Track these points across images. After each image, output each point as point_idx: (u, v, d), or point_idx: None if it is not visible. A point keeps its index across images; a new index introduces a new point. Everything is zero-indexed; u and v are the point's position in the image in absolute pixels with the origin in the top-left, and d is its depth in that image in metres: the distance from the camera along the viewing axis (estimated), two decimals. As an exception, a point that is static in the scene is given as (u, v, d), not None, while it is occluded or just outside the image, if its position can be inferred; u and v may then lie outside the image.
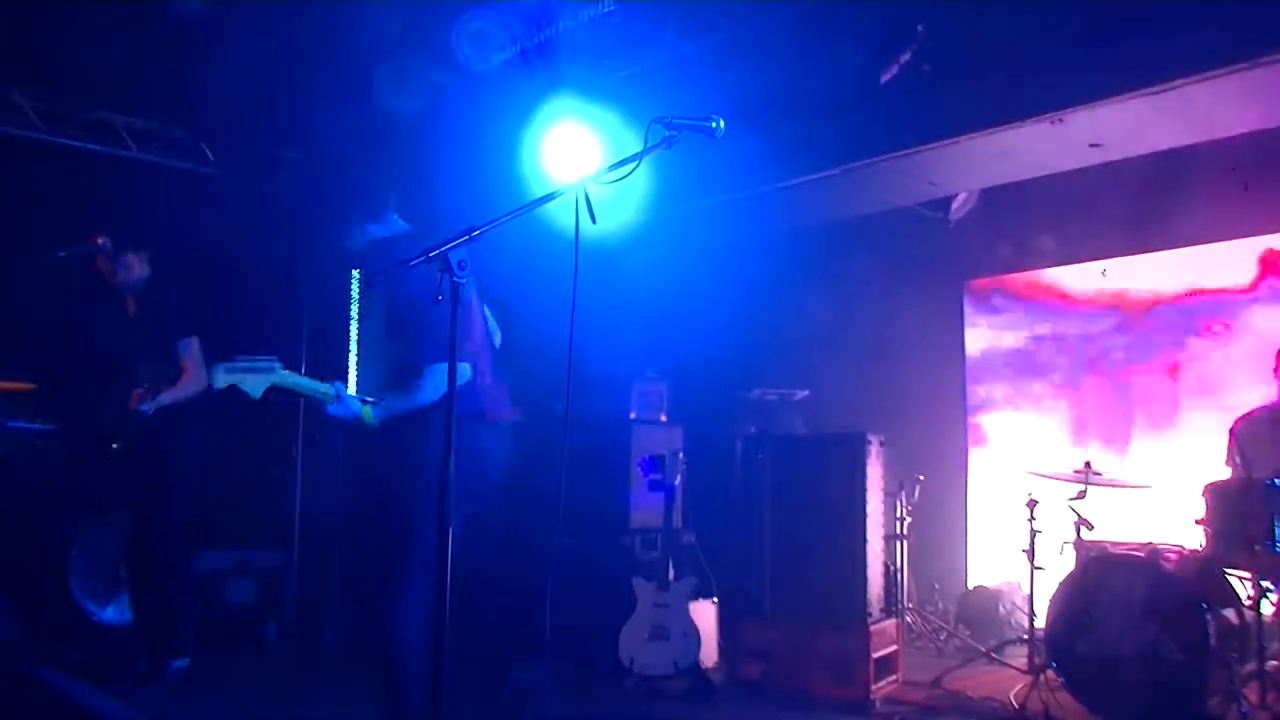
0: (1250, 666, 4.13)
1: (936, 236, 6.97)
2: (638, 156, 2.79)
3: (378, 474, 3.51)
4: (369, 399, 3.32)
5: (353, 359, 6.48)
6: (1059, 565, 4.78)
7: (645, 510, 5.77)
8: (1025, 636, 5.13)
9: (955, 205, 6.76)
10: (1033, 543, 5.03)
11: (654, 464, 5.71)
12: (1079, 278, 6.66)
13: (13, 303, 5.84)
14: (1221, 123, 5.11)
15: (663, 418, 6.31)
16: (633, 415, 6.15)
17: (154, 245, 5.00)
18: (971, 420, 7.13)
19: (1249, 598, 4.19)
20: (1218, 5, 4.38)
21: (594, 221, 2.77)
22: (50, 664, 4.70)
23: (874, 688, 4.76)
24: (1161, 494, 5.17)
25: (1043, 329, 6.83)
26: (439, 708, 2.53)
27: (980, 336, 7.16)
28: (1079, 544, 4.74)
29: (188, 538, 5.03)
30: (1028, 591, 5.06)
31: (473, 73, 5.49)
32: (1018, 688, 4.71)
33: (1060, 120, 4.96)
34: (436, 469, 2.68)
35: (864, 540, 4.89)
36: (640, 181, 4.22)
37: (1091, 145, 5.35)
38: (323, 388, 3.28)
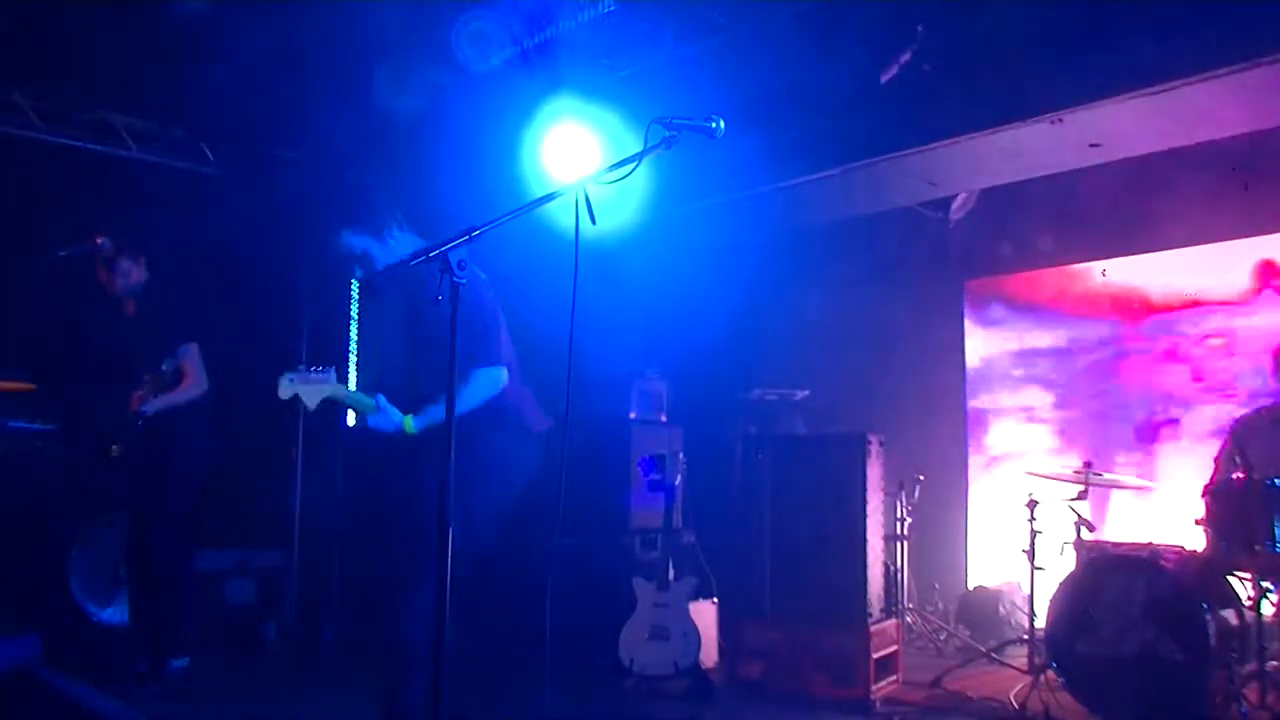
0: (1250, 667, 4.12)
1: (936, 236, 6.97)
2: (638, 157, 2.79)
3: (393, 475, 3.49)
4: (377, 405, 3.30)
5: (352, 363, 6.48)
6: (1059, 565, 4.79)
7: (645, 510, 5.76)
8: (1025, 636, 5.13)
9: (955, 205, 6.76)
10: (1033, 543, 5.03)
11: (654, 464, 5.71)
12: (1079, 280, 6.66)
13: (13, 303, 5.84)
14: (1221, 123, 5.10)
15: (663, 418, 6.31)
16: (633, 415, 6.15)
17: (153, 246, 5.00)
18: (972, 421, 7.13)
19: (1249, 598, 4.18)
20: (1217, 5, 4.38)
21: (594, 222, 2.78)
22: (50, 664, 4.70)
23: (874, 688, 4.76)
24: (1162, 495, 5.17)
25: (1041, 334, 6.83)
26: (439, 708, 2.53)
27: (979, 342, 7.16)
28: (1079, 544, 4.74)
29: (188, 538, 5.04)
30: (1028, 591, 5.06)
31: (473, 73, 5.49)
32: (1018, 688, 4.71)
33: (1060, 120, 4.95)
34: (465, 474, 2.70)
35: (864, 540, 4.89)
36: (640, 182, 4.21)
37: (1091, 145, 5.35)
38: (366, 400, 3.28)
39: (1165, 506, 5.56)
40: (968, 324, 7.22)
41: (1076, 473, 4.89)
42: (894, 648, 5.13)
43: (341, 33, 5.38)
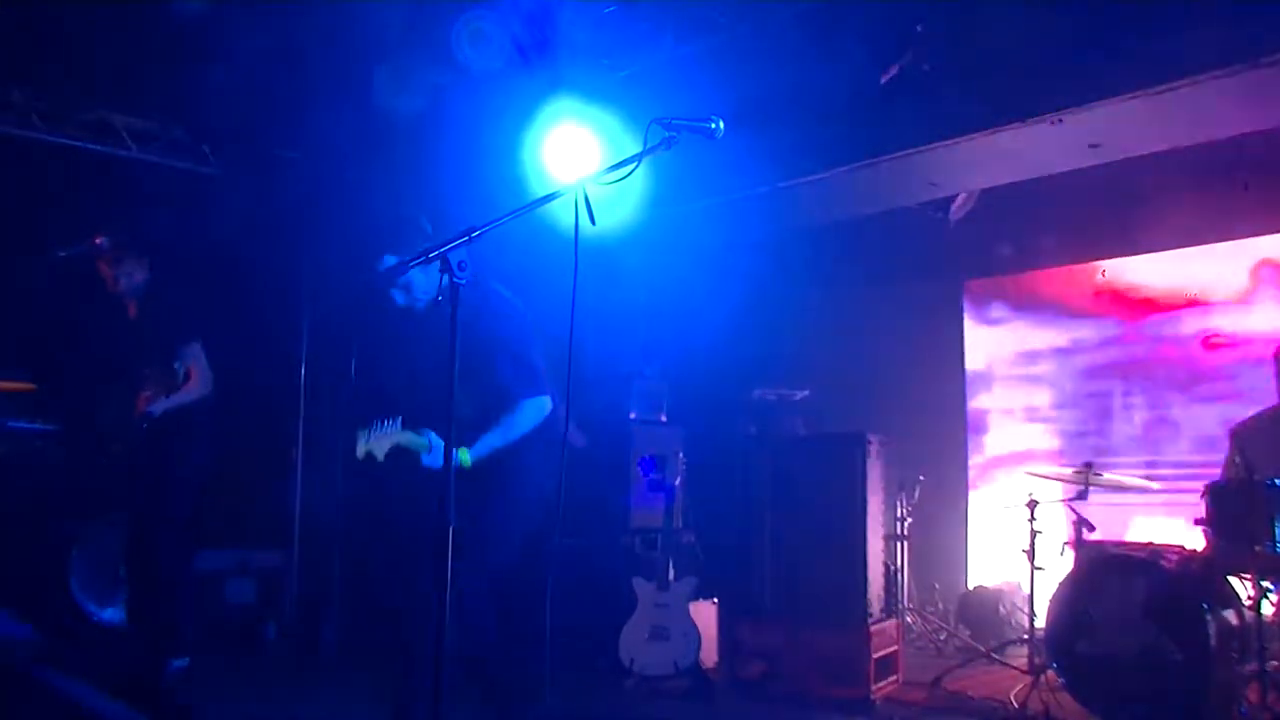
0: (1250, 667, 4.12)
1: (936, 236, 6.96)
2: (638, 157, 2.79)
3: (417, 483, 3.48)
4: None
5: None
6: (1059, 565, 4.78)
7: (645, 510, 5.77)
8: (1025, 636, 5.13)
9: (955, 205, 6.74)
10: (1033, 543, 5.03)
11: (654, 464, 5.71)
12: (1079, 280, 6.66)
13: (13, 303, 5.83)
14: (1221, 123, 5.10)
15: (663, 418, 6.31)
16: (633, 415, 6.15)
17: (154, 246, 5.00)
18: (972, 422, 7.13)
19: (1249, 598, 4.18)
20: (1218, 5, 4.38)
21: (593, 222, 2.77)
22: (50, 664, 4.70)
23: (874, 688, 4.76)
24: (1162, 495, 5.17)
25: (1041, 334, 6.83)
26: (439, 708, 2.53)
27: (979, 342, 7.15)
28: (1079, 544, 4.74)
29: (188, 538, 5.03)
30: (1028, 592, 5.06)
31: (473, 73, 5.49)
32: (1018, 688, 4.71)
33: (1060, 120, 4.95)
34: (519, 492, 2.85)
35: (864, 540, 4.89)
36: (640, 182, 4.21)
37: (1091, 145, 5.34)
38: (420, 440, 3.28)
39: (1165, 506, 5.56)
40: (968, 324, 7.22)
41: (1076, 473, 4.88)
42: (894, 648, 5.13)
43: (341, 33, 5.37)
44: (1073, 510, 4.82)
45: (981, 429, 7.10)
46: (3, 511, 5.69)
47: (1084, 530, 4.76)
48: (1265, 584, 4.15)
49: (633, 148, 2.82)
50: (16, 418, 5.86)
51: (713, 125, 2.80)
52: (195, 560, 5.41)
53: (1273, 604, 4.27)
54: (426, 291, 3.46)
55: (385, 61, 5.67)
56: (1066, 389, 6.70)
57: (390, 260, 3.43)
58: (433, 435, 3.27)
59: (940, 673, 5.23)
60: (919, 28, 4.90)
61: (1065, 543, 4.81)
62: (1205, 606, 4.14)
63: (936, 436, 7.00)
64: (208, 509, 5.21)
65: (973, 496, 6.99)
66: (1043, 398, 6.81)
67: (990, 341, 7.11)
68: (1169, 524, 5.18)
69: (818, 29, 5.07)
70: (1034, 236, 6.76)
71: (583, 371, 3.60)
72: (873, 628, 4.83)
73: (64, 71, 6.00)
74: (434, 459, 3.27)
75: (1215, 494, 4.40)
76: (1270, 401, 4.91)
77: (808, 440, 5.72)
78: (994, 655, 5.46)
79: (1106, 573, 4.43)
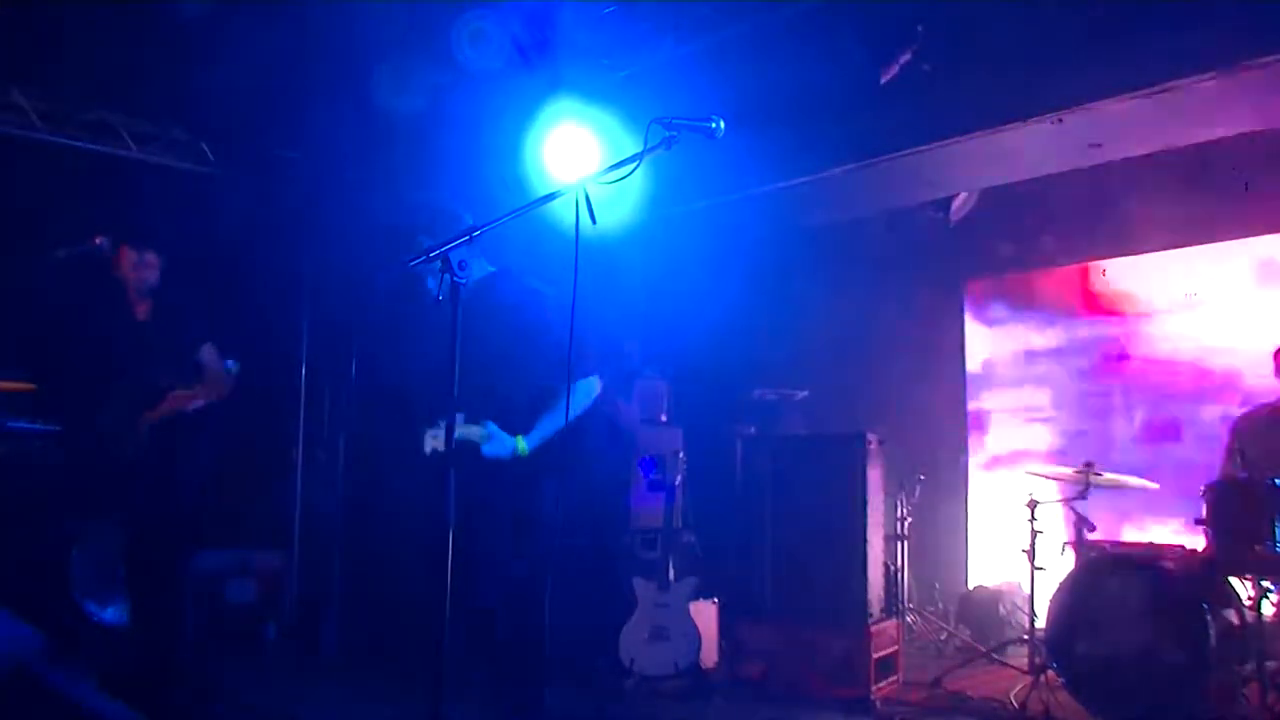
0: (1250, 667, 4.12)
1: (936, 236, 6.96)
2: (638, 157, 2.79)
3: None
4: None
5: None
6: (1059, 565, 4.79)
7: (645, 510, 5.76)
8: (1025, 636, 5.13)
9: (955, 205, 6.75)
10: (1033, 543, 5.03)
11: (654, 464, 5.71)
12: (1079, 280, 6.66)
13: (13, 303, 5.83)
14: (1221, 123, 5.11)
15: (663, 418, 6.31)
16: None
17: (154, 246, 4.99)
18: (972, 422, 7.13)
19: (1249, 598, 4.18)
20: (1218, 5, 4.38)
21: (594, 222, 2.78)
22: (50, 664, 4.70)
23: (874, 688, 4.76)
24: (1162, 495, 5.17)
25: (1041, 334, 6.83)
26: (440, 709, 2.54)
27: (980, 343, 7.15)
28: (1079, 544, 4.74)
29: (188, 538, 5.03)
30: (1028, 591, 5.06)
31: (473, 73, 5.49)
32: (1018, 688, 4.71)
33: (1060, 120, 4.96)
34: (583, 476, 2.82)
35: (864, 540, 4.89)
36: (641, 181, 4.20)
37: (1091, 145, 5.35)
38: (481, 430, 3.27)
39: (1165, 506, 5.55)
40: (968, 324, 7.22)
41: (1077, 473, 4.88)
42: (894, 648, 5.13)
43: (341, 33, 5.37)
44: (1073, 510, 4.82)
45: (981, 429, 7.10)
46: (3, 511, 5.69)
47: (1084, 530, 4.76)
48: (1265, 584, 4.16)
49: (633, 147, 2.83)
50: (16, 418, 5.85)
51: (713, 125, 2.80)
52: (195, 560, 5.41)
53: (1273, 604, 4.27)
54: (476, 267, 3.43)
55: (385, 61, 5.67)
56: (1066, 389, 6.69)
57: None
58: (491, 425, 3.28)
59: (940, 673, 5.23)
60: (919, 27, 4.90)
61: (1065, 543, 4.82)
62: (1205, 606, 4.14)
63: (936, 436, 7.00)
64: (208, 509, 5.21)
65: (973, 497, 6.99)
66: (1043, 398, 6.81)
67: (990, 342, 7.11)
68: (1169, 524, 5.18)
69: (818, 29, 5.07)
70: (1034, 236, 6.77)
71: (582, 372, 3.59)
72: (873, 628, 4.84)
73: (64, 72, 5.99)
74: (495, 448, 3.28)
75: (1215, 494, 4.40)
76: (1272, 398, 4.92)
77: (808, 440, 5.71)
78: (994, 655, 5.46)
79: (1107, 573, 4.43)
